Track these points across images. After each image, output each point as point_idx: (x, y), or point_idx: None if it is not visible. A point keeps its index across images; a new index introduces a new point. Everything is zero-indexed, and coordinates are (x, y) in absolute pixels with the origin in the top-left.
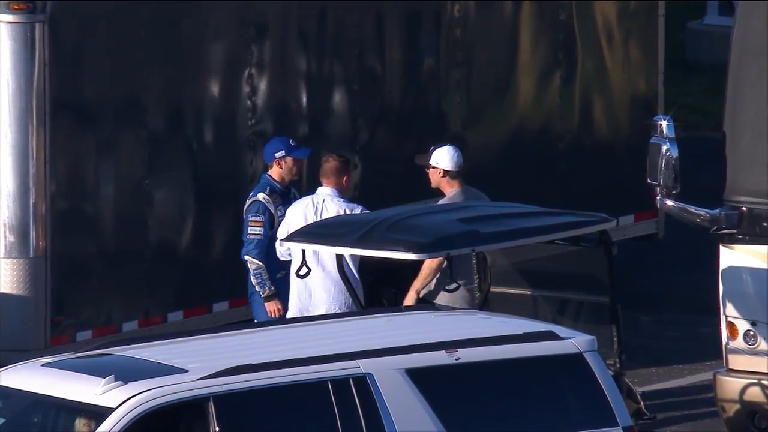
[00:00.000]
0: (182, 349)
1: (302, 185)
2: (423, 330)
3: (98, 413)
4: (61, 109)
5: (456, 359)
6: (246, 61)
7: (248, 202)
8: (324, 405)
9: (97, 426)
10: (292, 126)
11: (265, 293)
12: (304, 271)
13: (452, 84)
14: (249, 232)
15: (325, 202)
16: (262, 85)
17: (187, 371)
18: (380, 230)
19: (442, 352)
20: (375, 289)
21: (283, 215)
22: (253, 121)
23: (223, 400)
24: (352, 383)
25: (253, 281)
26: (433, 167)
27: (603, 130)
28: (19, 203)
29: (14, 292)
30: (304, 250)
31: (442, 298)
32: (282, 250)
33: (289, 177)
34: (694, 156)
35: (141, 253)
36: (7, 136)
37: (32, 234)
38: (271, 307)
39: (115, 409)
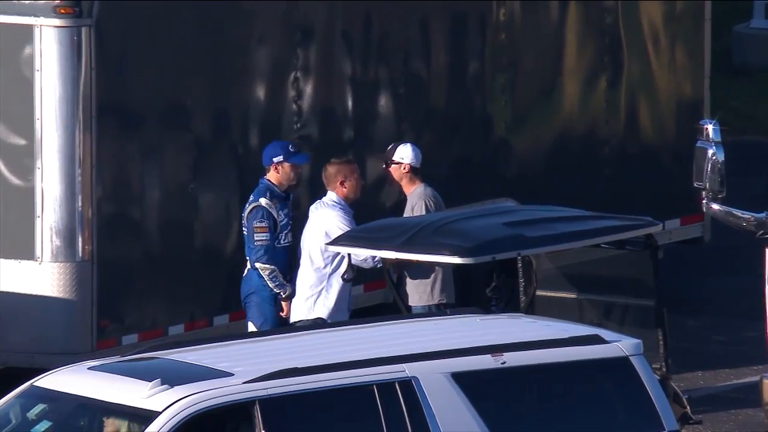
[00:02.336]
0: (228, 352)
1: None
2: (468, 334)
3: (144, 417)
4: (107, 114)
5: (501, 363)
6: (291, 65)
7: (249, 207)
8: (369, 409)
9: (144, 429)
10: (337, 130)
11: (286, 293)
12: (349, 274)
13: (497, 88)
14: (256, 238)
15: (313, 210)
16: (308, 89)
17: (232, 375)
18: (426, 234)
19: (488, 356)
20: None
21: (284, 219)
22: (298, 125)
23: (269, 403)
24: (397, 387)
25: (271, 285)
26: (397, 163)
27: (649, 134)
28: (65, 207)
29: (61, 296)
30: (349, 254)
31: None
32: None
33: (287, 182)
34: (740, 160)
35: (186, 257)
36: (54, 140)
37: (78, 238)
38: (288, 307)
39: (161, 412)
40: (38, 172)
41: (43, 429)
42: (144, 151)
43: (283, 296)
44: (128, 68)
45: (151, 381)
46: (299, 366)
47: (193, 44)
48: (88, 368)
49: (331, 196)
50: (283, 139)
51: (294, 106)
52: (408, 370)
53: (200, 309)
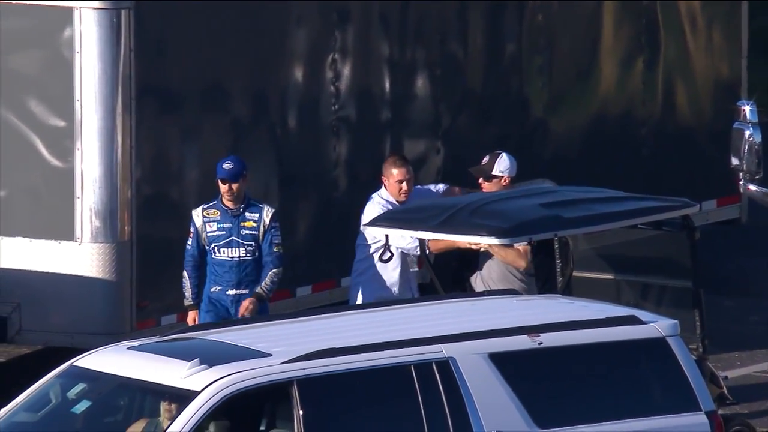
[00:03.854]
0: (266, 333)
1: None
2: (505, 315)
3: (183, 396)
4: (146, 95)
5: (538, 344)
6: (329, 47)
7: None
8: (407, 389)
9: (182, 409)
10: (375, 111)
11: (186, 303)
12: (387, 255)
13: (534, 69)
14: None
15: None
16: (346, 71)
17: (270, 355)
18: (463, 215)
19: (525, 337)
20: (459, 274)
21: (214, 232)
22: (336, 107)
23: (307, 383)
24: (435, 367)
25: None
26: (497, 177)
27: (686, 115)
28: (105, 188)
29: (100, 276)
30: (387, 235)
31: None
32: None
33: (225, 196)
34: None
35: None
36: (94, 122)
37: (118, 219)
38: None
39: (200, 392)
40: (78, 154)
41: (83, 408)
42: (183, 132)
43: (185, 304)
44: (167, 50)
45: (189, 361)
46: (337, 346)
47: (231, 26)
48: (128, 348)
49: (382, 189)
50: (321, 121)
51: (332, 88)
52: (445, 350)
53: None
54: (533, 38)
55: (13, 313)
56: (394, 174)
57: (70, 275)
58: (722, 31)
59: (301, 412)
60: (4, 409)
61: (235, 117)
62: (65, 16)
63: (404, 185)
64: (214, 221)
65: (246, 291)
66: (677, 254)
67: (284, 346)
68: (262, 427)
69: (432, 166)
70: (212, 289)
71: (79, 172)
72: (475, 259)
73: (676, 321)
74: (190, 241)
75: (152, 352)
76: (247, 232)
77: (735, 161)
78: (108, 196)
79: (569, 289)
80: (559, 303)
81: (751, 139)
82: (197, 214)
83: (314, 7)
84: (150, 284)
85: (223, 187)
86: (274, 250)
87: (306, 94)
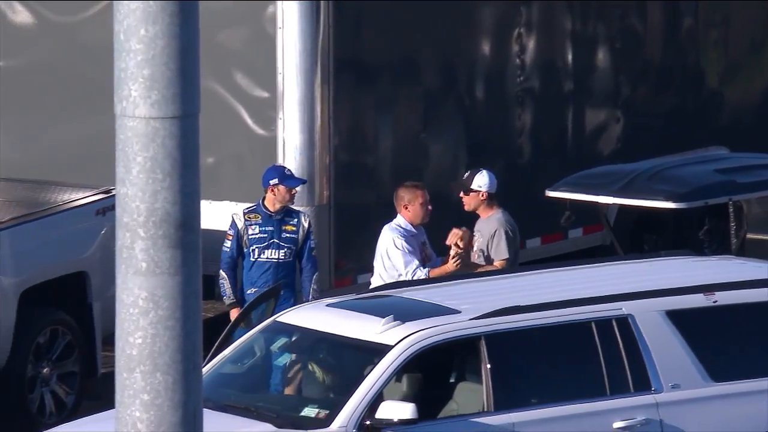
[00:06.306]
0: (454, 291)
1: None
2: (681, 274)
3: (378, 350)
4: (344, 68)
5: (713, 302)
6: (515, 22)
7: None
8: (587, 345)
9: (377, 362)
10: (558, 82)
11: (225, 302)
12: (569, 221)
13: (710, 42)
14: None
15: (382, 231)
16: (531, 44)
17: (459, 312)
18: (641, 180)
19: (700, 295)
20: (636, 236)
21: (256, 235)
22: (521, 78)
23: (494, 339)
24: (614, 324)
25: (219, 290)
26: (475, 191)
27: None
28: (305, 155)
29: None
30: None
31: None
32: None
33: (281, 203)
34: None
35: None
36: (295, 93)
37: (317, 184)
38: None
39: (393, 346)
40: (280, 123)
41: (284, 361)
42: (377, 103)
43: (225, 304)
44: (363, 25)
45: (384, 317)
46: (522, 304)
47: (423, 2)
48: (327, 305)
49: (397, 218)
50: (507, 92)
51: (517, 60)
52: (624, 308)
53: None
54: (709, 13)
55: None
56: (420, 198)
57: None
58: None
59: (488, 366)
60: (212, 362)
61: (427, 89)
62: None
63: (430, 207)
64: (256, 224)
65: (282, 292)
66: None
67: (472, 304)
68: (452, 380)
69: (612, 134)
70: (248, 291)
71: (281, 140)
72: (654, 222)
73: None
74: (228, 243)
75: (349, 309)
76: (288, 235)
77: None
78: (308, 162)
79: (743, 251)
80: (732, 263)
81: None
82: (239, 218)
83: None
84: (347, 245)
85: (287, 193)
86: (313, 254)
87: (493, 67)
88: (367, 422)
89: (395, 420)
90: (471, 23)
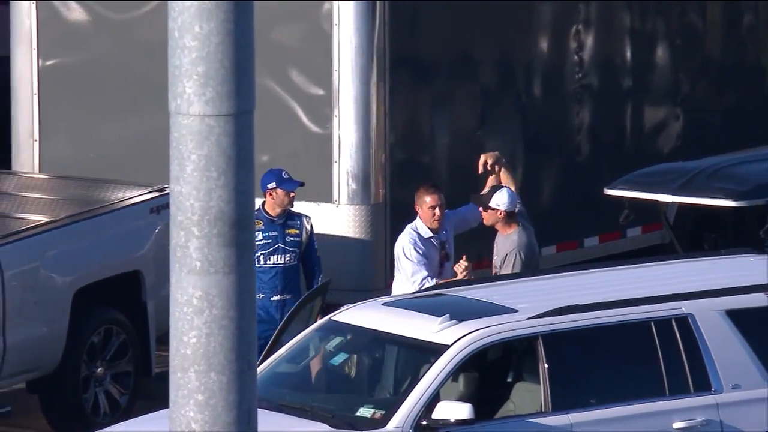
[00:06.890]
0: (512, 290)
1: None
2: (742, 273)
3: (434, 350)
4: (400, 65)
5: None
6: (573, 19)
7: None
8: (647, 345)
9: (434, 361)
10: (617, 80)
11: None
12: (627, 220)
13: None
14: None
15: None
16: (589, 41)
17: (517, 311)
18: (701, 178)
19: (761, 294)
20: (696, 234)
21: (261, 241)
22: (579, 75)
23: (551, 338)
24: (674, 323)
25: None
26: (493, 209)
27: None
28: (360, 153)
29: (356, 236)
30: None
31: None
32: None
33: (281, 207)
34: None
35: None
36: (350, 90)
37: (372, 182)
38: None
39: (450, 346)
40: (336, 120)
41: (340, 360)
42: (433, 100)
43: None
44: (419, 22)
45: (440, 316)
46: (580, 303)
47: (479, 0)
48: (382, 304)
49: (416, 220)
50: (565, 89)
51: (575, 57)
52: (684, 307)
53: (473, 253)
54: None
55: None
56: (426, 201)
57: (328, 235)
58: None
59: (546, 366)
60: (267, 361)
61: (484, 86)
62: None
63: (437, 211)
64: (259, 231)
65: (289, 296)
66: None
67: (529, 303)
68: (509, 380)
69: (671, 132)
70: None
71: (336, 138)
72: (713, 220)
73: None
74: None
75: (405, 308)
76: (292, 239)
77: None
78: (363, 160)
79: None
80: None
81: None
82: None
83: None
84: None
85: (286, 196)
86: (317, 256)
87: (550, 63)
88: (424, 422)
89: (452, 420)
90: (529, 20)
